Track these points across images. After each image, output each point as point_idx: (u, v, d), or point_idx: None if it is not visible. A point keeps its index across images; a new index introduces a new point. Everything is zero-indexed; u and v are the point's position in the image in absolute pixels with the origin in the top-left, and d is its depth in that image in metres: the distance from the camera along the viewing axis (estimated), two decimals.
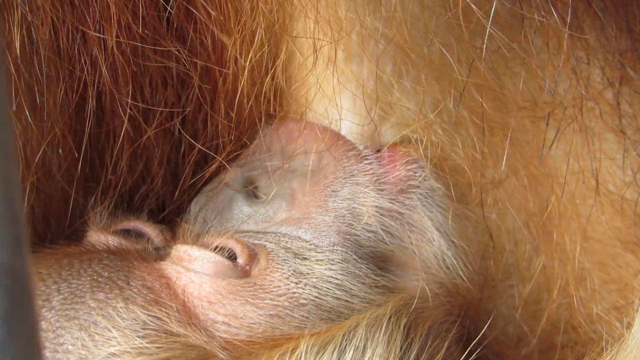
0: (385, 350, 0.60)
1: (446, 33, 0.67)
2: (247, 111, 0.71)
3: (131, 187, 0.73)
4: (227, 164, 0.71)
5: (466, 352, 0.63)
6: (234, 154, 0.73)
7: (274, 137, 0.73)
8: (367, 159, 0.71)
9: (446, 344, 0.64)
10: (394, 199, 0.70)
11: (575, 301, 0.71)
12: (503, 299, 0.75)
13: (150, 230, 0.68)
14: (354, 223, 0.68)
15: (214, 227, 0.69)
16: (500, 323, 0.75)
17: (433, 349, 0.63)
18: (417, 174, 0.71)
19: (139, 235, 0.68)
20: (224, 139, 0.72)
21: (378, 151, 0.72)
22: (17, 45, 0.64)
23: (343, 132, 0.71)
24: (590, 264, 0.72)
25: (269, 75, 0.69)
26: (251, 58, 0.68)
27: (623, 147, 0.68)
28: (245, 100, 0.70)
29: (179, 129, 0.72)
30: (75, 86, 0.68)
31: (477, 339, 0.64)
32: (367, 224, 0.68)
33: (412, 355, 0.61)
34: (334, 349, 0.58)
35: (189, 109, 0.71)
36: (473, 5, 0.61)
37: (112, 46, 0.66)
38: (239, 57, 0.68)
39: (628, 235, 0.71)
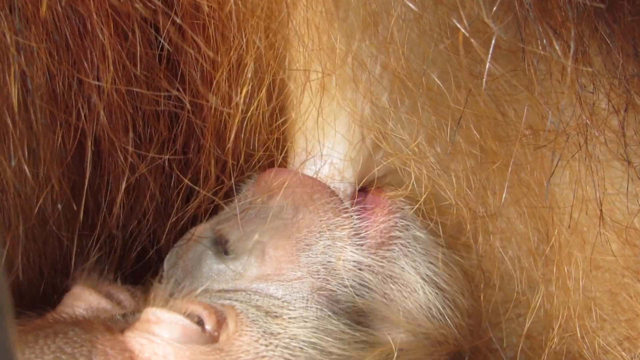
0: None
1: (445, 61, 0.65)
2: (232, 145, 0.69)
3: (124, 225, 0.72)
4: (214, 197, 0.70)
5: None
6: (220, 188, 0.71)
7: (252, 189, 0.71)
8: (346, 212, 0.69)
9: None
10: (373, 253, 0.68)
11: (583, 332, 0.70)
12: (509, 328, 0.73)
13: (122, 295, 0.67)
14: (329, 278, 0.66)
15: (185, 287, 0.67)
16: (508, 354, 0.74)
17: None
18: (399, 224, 0.69)
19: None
20: (212, 172, 0.71)
21: (363, 193, 0.70)
22: (15, 100, 0.63)
23: (332, 162, 0.70)
24: (599, 293, 0.70)
25: (254, 108, 0.68)
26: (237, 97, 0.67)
27: (628, 175, 0.66)
28: (232, 134, 0.69)
29: (169, 164, 0.71)
30: (72, 132, 0.67)
31: None
32: (344, 279, 0.66)
33: None
34: None
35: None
36: (473, 40, 0.59)
37: (108, 90, 0.65)
38: (226, 90, 0.67)
39: (638, 265, 0.69)
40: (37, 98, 0.65)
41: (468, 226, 0.69)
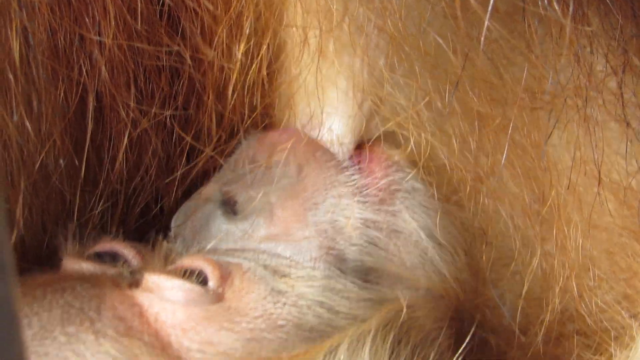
0: None
1: (442, 23, 0.65)
2: (233, 101, 0.69)
3: (127, 180, 0.73)
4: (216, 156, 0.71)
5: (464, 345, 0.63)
6: (224, 146, 0.72)
7: (255, 148, 0.71)
8: (347, 170, 0.69)
9: (432, 354, 0.63)
10: (378, 209, 0.68)
11: (581, 290, 0.70)
12: (508, 287, 0.74)
13: (127, 252, 0.67)
14: (336, 237, 0.66)
15: (191, 247, 0.67)
16: (505, 312, 0.74)
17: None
18: (397, 178, 0.70)
19: (115, 257, 0.67)
20: (213, 130, 0.71)
21: (359, 152, 0.70)
22: (16, 55, 0.64)
23: (331, 127, 0.70)
24: (597, 252, 0.71)
25: (255, 65, 0.68)
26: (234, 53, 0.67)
27: (626, 136, 0.66)
28: (232, 90, 0.69)
29: (171, 121, 0.71)
30: (74, 87, 0.68)
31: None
32: (351, 237, 0.67)
33: None
34: None
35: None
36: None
37: (109, 45, 0.65)
38: (226, 46, 0.67)
39: (635, 225, 0.69)
40: (38, 54, 0.65)
41: (464, 187, 0.69)
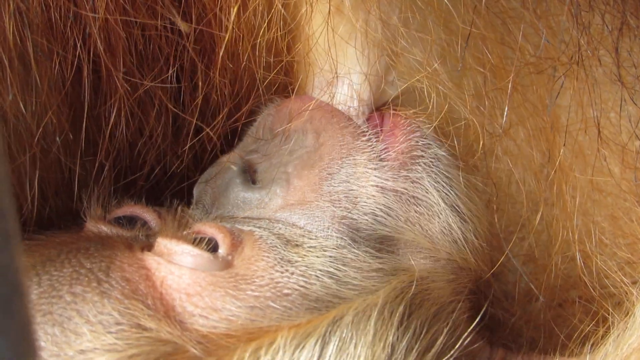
0: (373, 341, 0.57)
1: None
2: (244, 64, 0.69)
3: (131, 143, 0.73)
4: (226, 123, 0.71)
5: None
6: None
7: (274, 117, 0.71)
8: (364, 135, 0.69)
9: (445, 330, 0.61)
10: (396, 176, 0.67)
11: (584, 256, 0.69)
12: (513, 252, 0.73)
13: (148, 216, 0.67)
14: (350, 207, 0.66)
15: (210, 213, 0.68)
16: (510, 277, 0.74)
17: (432, 335, 0.61)
18: (420, 143, 0.69)
19: (135, 221, 0.67)
20: (223, 94, 0.71)
21: (379, 115, 0.70)
22: (10, 32, 0.64)
23: (350, 82, 0.69)
24: (600, 217, 0.70)
25: (265, 26, 0.67)
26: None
27: (621, 95, 0.65)
28: (242, 53, 0.68)
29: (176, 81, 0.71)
30: (70, 57, 0.67)
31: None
32: (365, 205, 0.66)
33: (404, 346, 0.59)
34: (316, 341, 0.56)
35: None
36: None
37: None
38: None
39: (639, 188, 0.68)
40: (34, 26, 0.65)
41: (479, 145, 0.68)
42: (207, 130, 0.71)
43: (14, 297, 0.34)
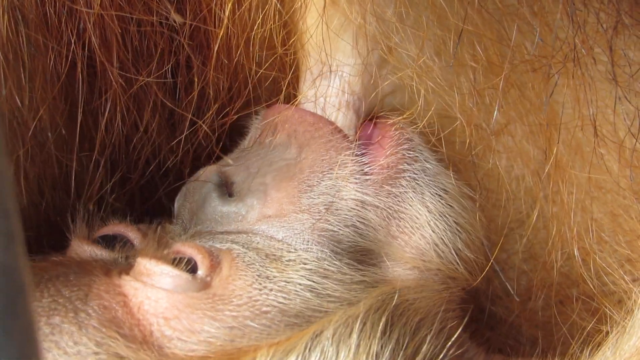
0: (357, 351, 0.57)
1: None
2: (236, 59, 0.69)
3: (127, 137, 0.73)
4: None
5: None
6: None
7: (260, 128, 0.70)
8: (349, 148, 0.68)
9: (428, 338, 0.61)
10: (378, 189, 0.67)
11: (583, 253, 0.69)
12: (514, 249, 0.73)
13: (132, 234, 0.67)
14: (330, 219, 0.65)
15: (189, 228, 0.67)
16: (510, 275, 0.73)
17: (416, 343, 0.60)
18: (407, 156, 0.68)
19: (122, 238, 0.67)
20: (218, 89, 0.70)
21: (369, 123, 0.69)
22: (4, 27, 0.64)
23: (342, 75, 0.68)
24: (600, 214, 0.70)
25: (259, 19, 0.67)
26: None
27: (615, 93, 0.65)
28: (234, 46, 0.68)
29: (171, 76, 0.71)
30: (65, 52, 0.67)
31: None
32: (347, 218, 0.65)
33: (388, 356, 0.58)
34: (296, 358, 0.56)
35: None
36: None
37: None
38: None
39: (638, 185, 0.68)
40: (29, 21, 0.65)
41: (474, 143, 0.68)
42: (200, 123, 0.71)
43: (19, 298, 0.35)
